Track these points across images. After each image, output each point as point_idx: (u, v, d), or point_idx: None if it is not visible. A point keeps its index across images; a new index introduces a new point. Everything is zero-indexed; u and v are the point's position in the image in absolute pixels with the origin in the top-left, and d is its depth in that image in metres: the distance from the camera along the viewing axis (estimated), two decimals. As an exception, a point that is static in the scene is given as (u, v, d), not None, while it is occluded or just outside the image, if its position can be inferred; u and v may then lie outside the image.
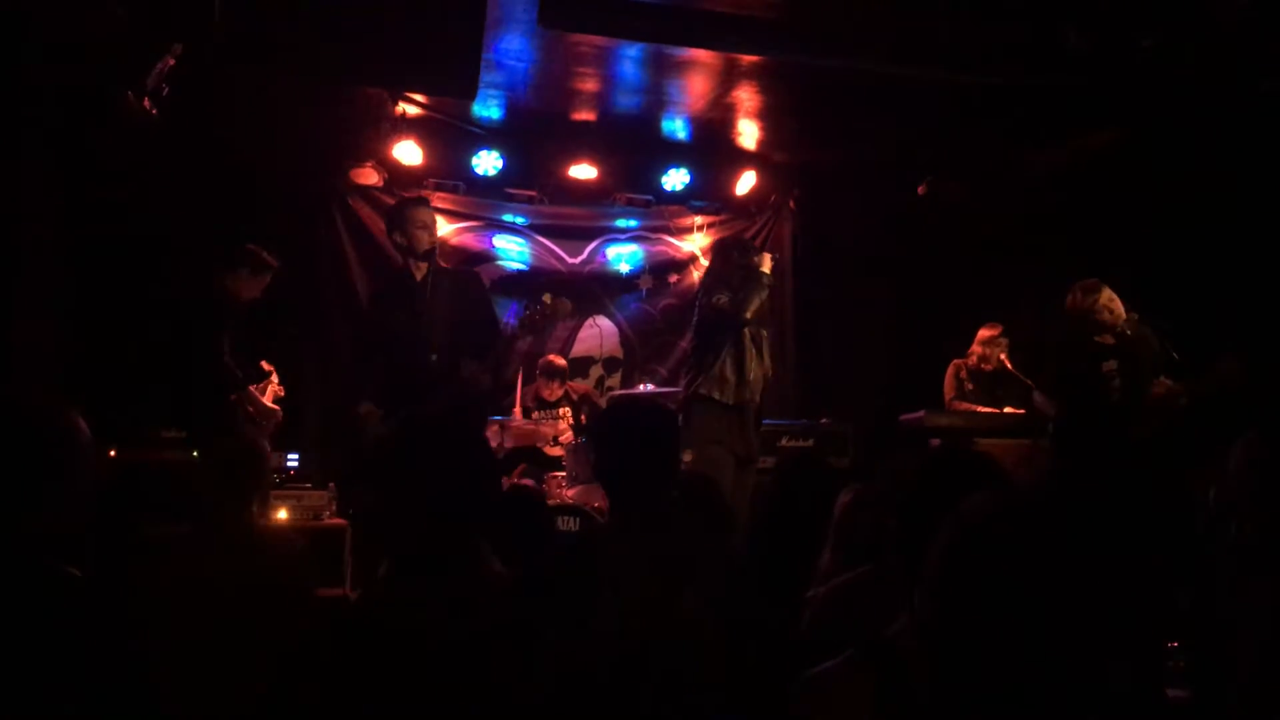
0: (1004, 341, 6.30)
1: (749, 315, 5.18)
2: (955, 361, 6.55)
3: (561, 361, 7.12)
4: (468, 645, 1.71)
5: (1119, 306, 5.10)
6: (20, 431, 1.84)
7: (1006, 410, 6.20)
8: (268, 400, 5.40)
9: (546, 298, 4.77)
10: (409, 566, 1.82)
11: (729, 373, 5.16)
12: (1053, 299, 6.47)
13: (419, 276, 4.71)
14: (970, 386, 6.40)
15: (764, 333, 5.41)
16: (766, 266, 5.28)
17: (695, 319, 5.49)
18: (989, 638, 1.26)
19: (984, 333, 6.45)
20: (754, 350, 5.24)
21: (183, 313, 5.13)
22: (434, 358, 4.53)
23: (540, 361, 7.04)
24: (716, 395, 5.11)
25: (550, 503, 5.64)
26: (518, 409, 6.75)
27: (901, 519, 2.26)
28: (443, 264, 5.00)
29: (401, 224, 4.72)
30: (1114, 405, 5.02)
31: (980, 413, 6.18)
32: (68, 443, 1.89)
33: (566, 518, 5.46)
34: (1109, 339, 5.13)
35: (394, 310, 4.70)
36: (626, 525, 2.27)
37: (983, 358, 6.41)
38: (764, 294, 5.27)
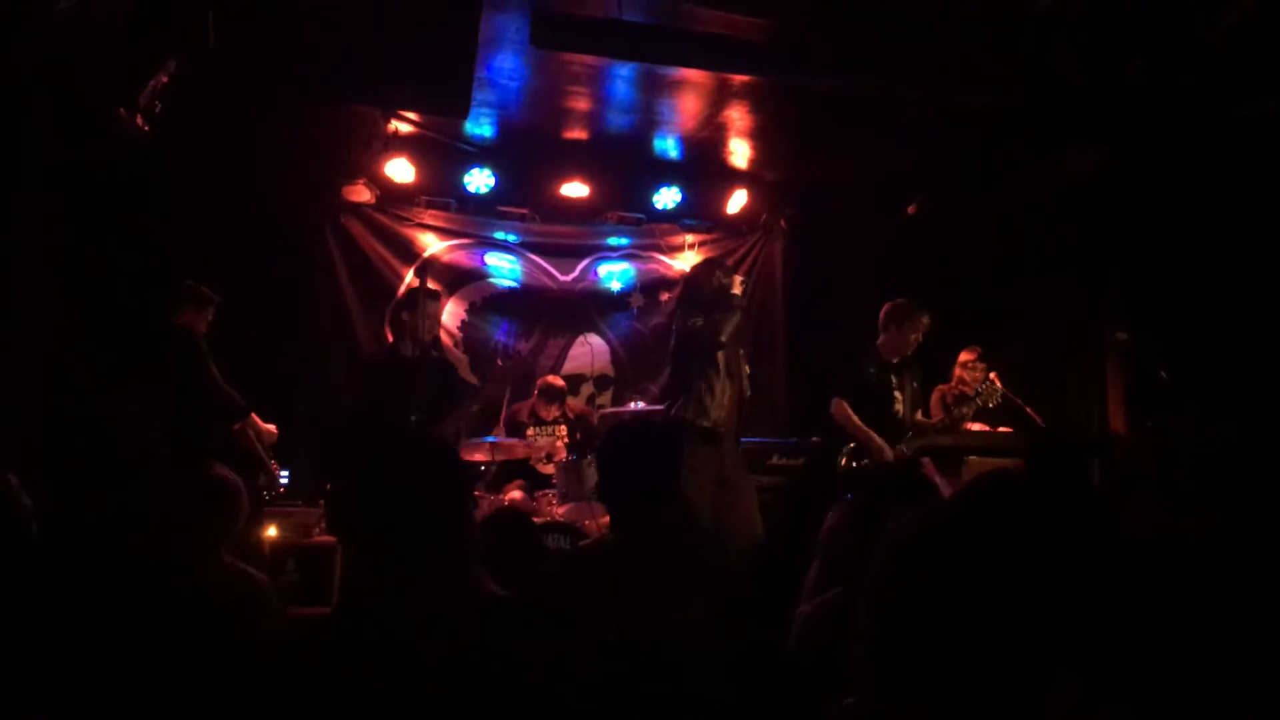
0: (982, 365, 6.36)
1: (724, 339, 5.15)
2: (940, 387, 6.56)
3: (560, 383, 7.12)
4: (457, 663, 1.71)
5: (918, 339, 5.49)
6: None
7: (1000, 430, 6.23)
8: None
9: None
10: (384, 581, 1.80)
11: (704, 396, 5.15)
12: (1043, 319, 6.52)
13: (408, 352, 5.69)
14: (956, 412, 6.47)
15: (741, 352, 5.41)
16: (737, 289, 5.30)
17: (672, 343, 5.48)
18: (924, 652, 1.27)
19: (964, 356, 6.51)
20: (728, 373, 5.23)
21: (173, 343, 5.10)
22: (414, 419, 5.34)
23: (540, 382, 7.05)
24: (693, 419, 5.09)
25: (541, 520, 5.63)
26: (501, 427, 6.77)
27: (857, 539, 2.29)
28: (434, 352, 5.98)
29: (415, 308, 5.74)
30: (898, 421, 5.46)
31: (971, 431, 6.19)
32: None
33: (556, 535, 5.45)
34: (896, 360, 5.49)
35: (383, 378, 5.67)
36: (629, 543, 2.26)
37: (961, 380, 6.46)
38: (737, 316, 5.26)
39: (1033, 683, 1.25)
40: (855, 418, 5.35)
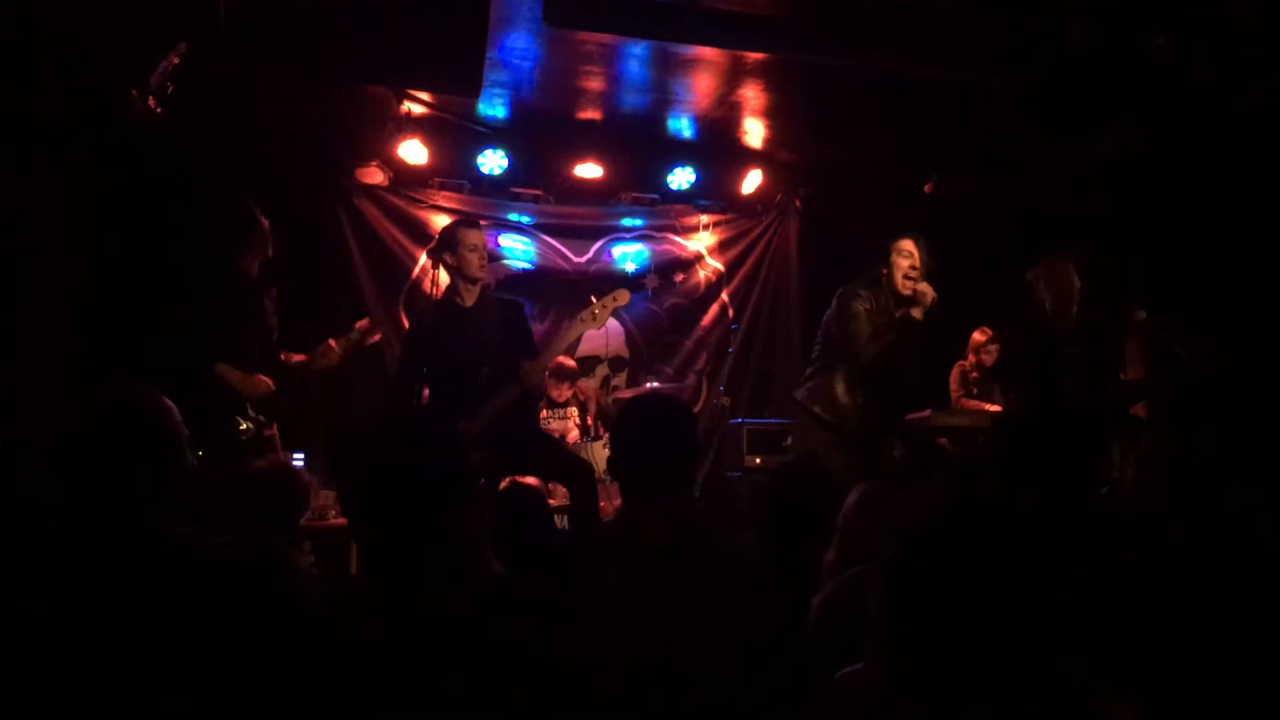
0: (995, 346, 6.34)
1: (866, 360, 4.85)
2: (960, 363, 6.57)
3: (572, 363, 7.11)
4: (460, 645, 1.69)
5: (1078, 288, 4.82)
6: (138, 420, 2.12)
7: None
8: None
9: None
10: (386, 564, 1.78)
11: (838, 391, 4.96)
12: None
13: (469, 302, 4.80)
14: (976, 390, 6.47)
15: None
16: (917, 311, 4.86)
17: (825, 319, 5.24)
18: (935, 628, 1.27)
19: (977, 337, 6.50)
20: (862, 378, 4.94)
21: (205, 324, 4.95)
22: (485, 371, 4.61)
23: (552, 364, 7.00)
24: (816, 408, 5.00)
25: (554, 504, 5.63)
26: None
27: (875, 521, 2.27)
28: (491, 290, 5.12)
29: (453, 245, 4.81)
30: (1070, 396, 4.70)
31: (987, 411, 6.16)
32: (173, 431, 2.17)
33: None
34: (1072, 323, 4.81)
35: (443, 333, 4.75)
36: (639, 523, 2.23)
37: (978, 361, 6.46)
38: (893, 338, 4.88)
39: (1040, 658, 1.25)
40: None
